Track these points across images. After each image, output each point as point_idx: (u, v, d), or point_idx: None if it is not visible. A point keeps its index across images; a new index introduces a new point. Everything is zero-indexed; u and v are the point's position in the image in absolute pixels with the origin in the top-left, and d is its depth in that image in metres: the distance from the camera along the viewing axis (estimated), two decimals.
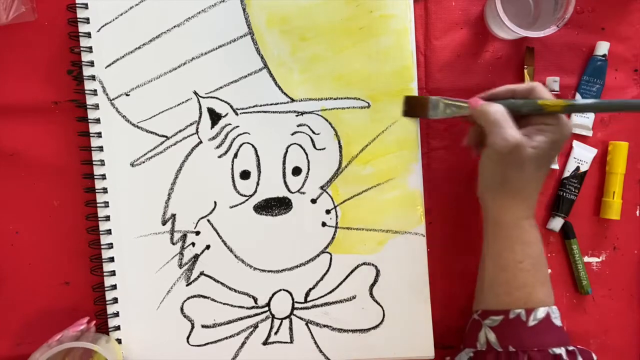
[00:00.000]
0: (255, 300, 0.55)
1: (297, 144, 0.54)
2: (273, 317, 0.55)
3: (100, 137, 0.54)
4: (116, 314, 0.54)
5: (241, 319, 0.55)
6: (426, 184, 0.56)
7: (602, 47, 0.55)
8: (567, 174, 0.56)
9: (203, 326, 0.55)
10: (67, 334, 0.50)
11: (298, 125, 0.54)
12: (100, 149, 0.54)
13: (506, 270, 0.48)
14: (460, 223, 0.57)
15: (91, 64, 0.53)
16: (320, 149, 0.55)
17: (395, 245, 0.55)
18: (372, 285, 0.55)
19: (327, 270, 0.55)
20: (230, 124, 0.54)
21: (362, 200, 0.55)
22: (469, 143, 0.53)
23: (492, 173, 0.49)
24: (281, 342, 0.55)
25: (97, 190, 0.54)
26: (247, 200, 0.55)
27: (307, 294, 0.55)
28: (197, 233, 0.54)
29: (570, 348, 0.46)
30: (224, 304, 0.55)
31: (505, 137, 0.46)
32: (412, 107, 0.53)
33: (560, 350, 0.46)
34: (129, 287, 0.54)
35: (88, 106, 0.54)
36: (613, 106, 0.51)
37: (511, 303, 0.47)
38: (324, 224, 0.55)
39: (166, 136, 0.54)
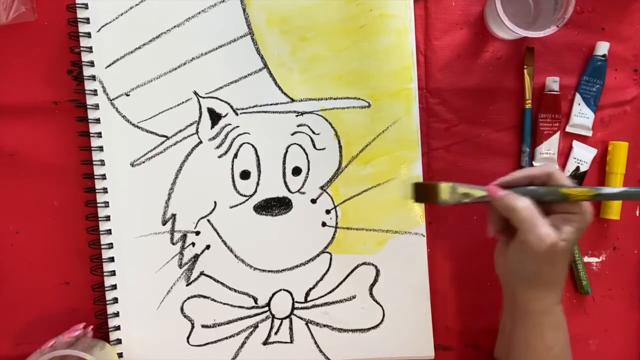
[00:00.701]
0: (256, 300, 0.55)
1: (297, 144, 0.54)
2: (273, 317, 0.55)
3: (100, 137, 0.54)
4: (116, 314, 0.54)
5: (241, 319, 0.55)
6: None
7: (602, 47, 0.55)
8: (567, 174, 0.56)
9: (203, 326, 0.55)
10: (62, 339, 0.50)
11: (298, 125, 0.54)
12: (100, 149, 0.54)
13: (536, 355, 0.48)
14: (460, 223, 0.57)
15: (91, 64, 0.53)
16: (320, 149, 0.55)
17: (395, 245, 0.55)
18: (372, 285, 0.55)
19: (327, 270, 0.55)
20: (230, 124, 0.54)
21: (362, 200, 0.55)
22: (493, 233, 0.50)
23: (523, 267, 0.47)
24: (281, 342, 0.55)
25: (97, 190, 0.54)
26: (247, 200, 0.55)
27: (307, 294, 0.55)
28: (197, 233, 0.54)
29: None
30: (224, 304, 0.55)
31: (540, 237, 0.44)
32: (422, 194, 0.51)
33: None
34: (129, 287, 0.54)
35: (88, 106, 0.54)
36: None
37: None
38: (324, 224, 0.55)
39: (166, 136, 0.54)
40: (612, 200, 0.55)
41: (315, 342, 0.55)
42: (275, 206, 0.55)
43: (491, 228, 0.50)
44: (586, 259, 0.57)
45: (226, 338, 0.55)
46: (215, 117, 0.54)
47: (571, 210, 0.46)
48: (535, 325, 0.48)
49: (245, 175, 0.54)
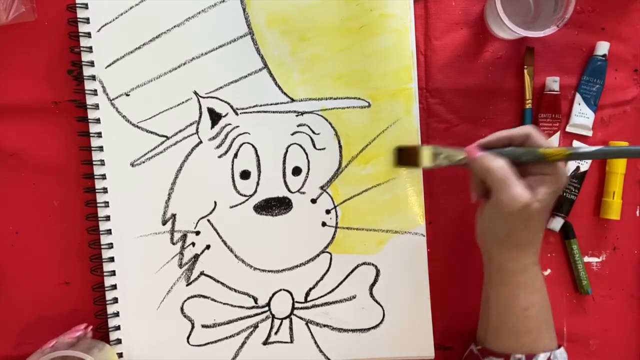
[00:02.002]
0: (256, 300, 0.55)
1: (297, 144, 0.54)
2: (273, 317, 0.55)
3: (100, 137, 0.54)
4: (116, 314, 0.54)
5: (241, 318, 0.55)
6: (426, 184, 0.56)
7: (602, 47, 0.55)
8: (566, 174, 0.56)
9: (203, 326, 0.55)
10: (63, 340, 0.50)
11: (298, 125, 0.54)
12: (100, 149, 0.54)
13: (512, 316, 0.48)
14: (460, 223, 0.57)
15: (91, 64, 0.53)
16: (320, 149, 0.55)
17: (395, 245, 0.55)
18: (372, 285, 0.55)
19: (327, 270, 0.55)
20: (230, 124, 0.54)
21: (362, 200, 0.55)
22: (476, 196, 0.50)
23: (497, 227, 0.47)
24: (281, 342, 0.55)
25: (97, 190, 0.54)
26: (247, 200, 0.55)
27: (307, 294, 0.55)
28: (197, 233, 0.54)
29: None
30: (224, 303, 0.55)
31: (513, 197, 0.44)
32: (403, 158, 0.51)
33: None
34: (129, 287, 0.54)
35: (88, 106, 0.53)
36: (616, 153, 0.50)
37: (515, 349, 0.48)
38: (324, 224, 0.55)
39: (166, 136, 0.54)
40: (588, 159, 0.55)
41: (315, 342, 0.55)
42: (275, 206, 0.55)
43: (473, 193, 0.50)
44: (586, 259, 0.57)
45: (226, 338, 0.55)
46: (215, 117, 0.54)
47: (546, 171, 0.46)
48: (510, 284, 0.48)
49: (245, 175, 0.54)
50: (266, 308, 0.55)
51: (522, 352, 0.47)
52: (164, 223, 0.54)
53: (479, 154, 0.47)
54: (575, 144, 0.57)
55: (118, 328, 0.54)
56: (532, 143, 0.47)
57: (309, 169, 0.55)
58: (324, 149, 0.55)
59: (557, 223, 0.56)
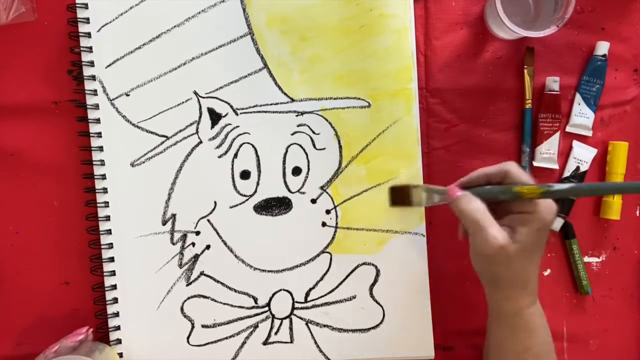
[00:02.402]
0: (256, 300, 0.55)
1: (297, 144, 0.54)
2: (273, 317, 0.55)
3: (100, 137, 0.54)
4: (116, 314, 0.54)
5: (241, 319, 0.55)
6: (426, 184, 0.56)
7: (602, 47, 0.55)
8: (567, 173, 0.56)
9: (203, 326, 0.55)
10: (65, 344, 0.50)
11: (298, 125, 0.54)
12: (100, 149, 0.54)
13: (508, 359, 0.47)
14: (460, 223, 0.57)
15: (91, 64, 0.53)
16: (320, 149, 0.55)
17: (395, 245, 0.55)
18: (372, 285, 0.55)
19: (327, 270, 0.55)
20: (230, 124, 0.54)
21: (362, 200, 0.55)
22: (462, 235, 0.49)
23: (481, 270, 0.47)
24: (281, 342, 0.55)
25: (97, 190, 0.54)
26: (247, 200, 0.55)
27: (307, 294, 0.55)
28: (197, 233, 0.54)
29: None
30: (224, 304, 0.55)
31: (487, 240, 0.43)
32: (398, 198, 0.52)
33: None
34: (129, 287, 0.54)
35: (88, 106, 0.53)
36: (591, 190, 0.48)
37: None
38: (324, 224, 0.55)
39: (166, 136, 0.54)
40: (563, 197, 0.53)
41: (315, 342, 0.55)
42: (275, 206, 0.55)
43: (460, 230, 0.49)
44: (586, 259, 0.57)
45: (226, 338, 0.55)
46: (215, 117, 0.54)
47: (527, 209, 0.44)
48: (505, 327, 0.47)
49: (245, 175, 0.54)
50: (266, 308, 0.55)
51: None
52: (164, 223, 0.54)
53: (457, 194, 0.46)
54: (576, 144, 0.57)
55: (118, 328, 0.54)
56: (511, 180, 0.45)
57: (309, 169, 0.55)
58: (324, 149, 0.55)
59: (557, 223, 0.56)
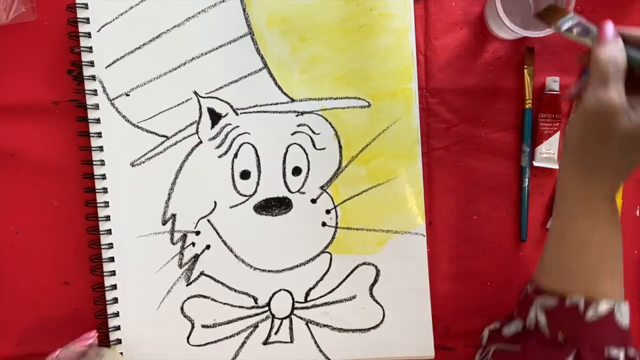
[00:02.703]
0: (256, 300, 0.55)
1: (297, 144, 0.54)
2: (273, 317, 0.55)
3: (100, 137, 0.54)
4: (116, 314, 0.54)
5: (241, 318, 0.55)
6: (426, 184, 0.56)
7: None
8: None
9: (203, 326, 0.55)
10: (75, 349, 0.49)
11: (298, 125, 0.54)
12: (100, 149, 0.54)
13: (566, 251, 0.41)
14: (460, 223, 0.57)
15: (91, 64, 0.53)
16: (320, 149, 0.55)
17: (395, 245, 0.55)
18: (372, 285, 0.55)
19: (327, 270, 0.55)
20: (230, 124, 0.54)
21: (362, 200, 0.55)
22: (574, 93, 0.43)
23: (573, 135, 0.40)
24: (281, 342, 0.55)
25: (97, 190, 0.54)
26: (247, 200, 0.55)
27: (307, 294, 0.55)
28: (197, 233, 0.54)
29: (632, 351, 0.39)
30: (224, 303, 0.55)
31: (599, 95, 0.37)
32: (547, 14, 0.46)
33: (618, 353, 0.38)
34: (129, 287, 0.54)
35: (88, 106, 0.53)
36: None
37: (571, 290, 0.41)
38: (324, 224, 0.55)
39: (166, 136, 0.54)
40: None
41: (315, 342, 0.55)
42: (275, 206, 0.55)
43: (574, 86, 0.43)
44: None
45: (226, 338, 0.55)
46: (215, 117, 0.54)
47: None
48: (568, 213, 0.41)
49: (245, 175, 0.54)
50: (266, 308, 0.55)
51: (579, 294, 0.40)
52: (164, 223, 0.54)
53: (609, 38, 0.38)
54: None
55: (118, 328, 0.54)
56: None
57: (309, 169, 0.55)
58: (324, 149, 0.55)
59: None
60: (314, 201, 0.55)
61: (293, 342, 0.55)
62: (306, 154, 0.55)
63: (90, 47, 0.53)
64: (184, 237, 0.54)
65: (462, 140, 0.56)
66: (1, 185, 0.55)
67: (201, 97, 0.54)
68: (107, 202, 0.54)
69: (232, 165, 0.54)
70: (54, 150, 0.55)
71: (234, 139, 0.54)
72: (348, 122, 0.54)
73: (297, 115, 0.54)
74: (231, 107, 0.54)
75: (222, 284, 0.55)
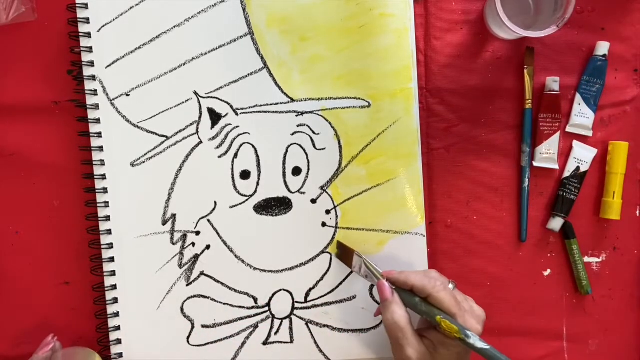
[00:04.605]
0: (256, 300, 0.55)
1: (297, 144, 0.54)
2: (273, 317, 0.55)
3: (100, 137, 0.54)
4: (116, 314, 0.54)
5: (241, 319, 0.55)
6: (426, 184, 0.56)
7: (602, 47, 0.55)
8: (567, 174, 0.56)
9: (203, 326, 0.55)
10: (37, 358, 0.50)
11: (298, 125, 0.54)
12: (100, 149, 0.54)
13: None
14: (460, 223, 0.57)
15: (91, 64, 0.53)
16: (320, 149, 0.55)
17: (395, 246, 0.55)
18: (372, 285, 0.55)
19: (327, 270, 0.55)
20: (230, 124, 0.54)
21: (362, 200, 0.55)
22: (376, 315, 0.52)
23: None
24: (281, 342, 0.55)
25: (97, 190, 0.54)
26: (247, 200, 0.55)
27: (307, 294, 0.55)
28: (197, 233, 0.54)
29: None
30: (224, 304, 0.55)
31: (399, 357, 0.44)
32: (342, 254, 0.54)
33: None
34: (129, 287, 0.54)
35: (88, 106, 0.53)
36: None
37: None
38: (324, 224, 0.55)
39: (166, 136, 0.54)
40: (474, 350, 0.43)
41: (315, 342, 0.55)
42: (275, 206, 0.55)
43: (377, 310, 0.50)
44: (586, 259, 0.57)
45: (226, 338, 0.55)
46: (215, 117, 0.54)
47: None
48: None
49: (245, 175, 0.54)
50: (266, 308, 0.55)
51: None
52: (164, 223, 0.54)
53: (386, 296, 0.47)
54: (576, 144, 0.56)
55: (118, 328, 0.54)
56: (434, 302, 0.45)
57: (309, 169, 0.55)
58: (324, 149, 0.55)
59: (557, 223, 0.56)
60: (314, 201, 0.55)
61: (293, 342, 0.55)
62: (306, 154, 0.55)
63: (91, 47, 0.53)
64: (184, 237, 0.54)
65: (462, 140, 0.56)
66: (1, 185, 0.55)
67: (201, 97, 0.54)
68: (107, 202, 0.54)
69: (232, 166, 0.54)
70: (54, 150, 0.55)
71: (234, 139, 0.54)
72: (348, 122, 0.54)
73: (297, 116, 0.54)
74: (231, 107, 0.54)
75: (222, 284, 0.55)
